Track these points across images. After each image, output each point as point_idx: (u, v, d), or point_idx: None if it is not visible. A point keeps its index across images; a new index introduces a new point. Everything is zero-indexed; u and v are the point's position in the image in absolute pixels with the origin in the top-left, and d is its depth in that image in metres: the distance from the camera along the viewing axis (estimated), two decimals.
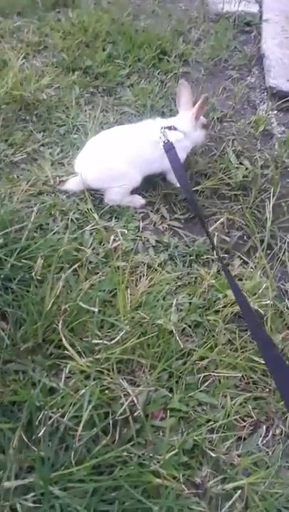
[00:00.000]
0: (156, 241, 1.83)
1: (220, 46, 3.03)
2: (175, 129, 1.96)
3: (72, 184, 1.92)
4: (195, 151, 2.19)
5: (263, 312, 1.52)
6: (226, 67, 2.94)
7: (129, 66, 2.72)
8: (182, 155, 1.98)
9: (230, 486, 1.19)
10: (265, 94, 2.78)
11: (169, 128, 1.95)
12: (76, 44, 2.80)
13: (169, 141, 1.89)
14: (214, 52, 2.97)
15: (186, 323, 1.53)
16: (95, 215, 1.83)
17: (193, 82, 2.75)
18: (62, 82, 2.53)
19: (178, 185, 1.97)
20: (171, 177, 1.99)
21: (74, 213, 1.83)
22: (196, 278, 1.69)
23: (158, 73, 2.72)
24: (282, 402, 1.36)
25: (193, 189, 2.01)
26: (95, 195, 1.93)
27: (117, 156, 1.87)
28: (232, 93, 2.70)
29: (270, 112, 2.62)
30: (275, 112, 2.65)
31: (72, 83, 2.55)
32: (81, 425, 1.14)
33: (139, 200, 1.96)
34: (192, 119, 1.99)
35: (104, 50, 2.79)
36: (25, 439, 1.15)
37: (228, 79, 2.83)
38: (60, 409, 1.21)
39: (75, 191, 1.92)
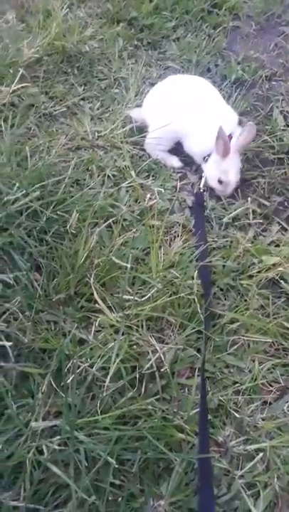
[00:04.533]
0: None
1: (274, 0, 2.84)
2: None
3: (134, 112, 1.97)
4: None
5: None
6: (279, 23, 2.76)
7: (176, 18, 2.60)
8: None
9: (252, 447, 1.19)
10: None
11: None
12: None
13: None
14: (267, 7, 2.79)
15: (218, 286, 1.51)
16: (132, 173, 1.80)
17: (243, 38, 2.61)
18: (106, 34, 2.45)
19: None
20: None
21: (111, 169, 1.80)
22: (231, 241, 1.66)
23: (206, 27, 2.59)
24: None
25: None
26: (133, 152, 1.89)
27: (177, 105, 1.82)
28: (284, 50, 2.55)
29: None
30: None
31: (116, 35, 2.46)
32: (108, 376, 1.17)
33: (173, 162, 1.92)
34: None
35: (151, 1, 2.66)
36: (54, 386, 1.18)
37: (280, 35, 2.66)
38: (88, 360, 1.23)
39: (134, 119, 1.96)
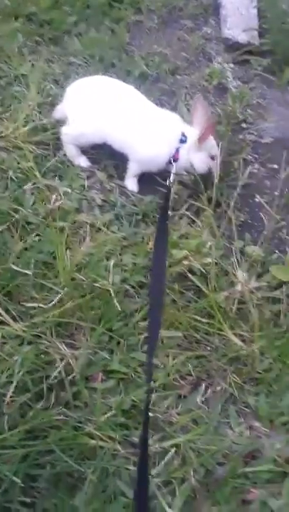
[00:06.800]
0: (103, 200, 1.76)
1: None
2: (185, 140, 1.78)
3: (57, 112, 1.90)
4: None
5: (205, 271, 1.49)
6: (181, 16, 2.79)
7: (77, 13, 2.54)
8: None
9: (168, 443, 1.19)
10: (222, 45, 2.66)
11: (183, 136, 1.78)
12: None
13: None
14: (168, 0, 2.81)
15: (129, 284, 1.50)
16: (37, 174, 1.73)
17: (146, 32, 2.61)
18: (4, 30, 2.34)
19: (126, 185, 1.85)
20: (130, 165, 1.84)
21: (14, 172, 1.72)
22: (142, 238, 1.65)
23: (108, 21, 2.55)
24: (223, 360, 1.36)
25: None
26: (38, 152, 1.82)
27: (103, 108, 1.75)
28: (186, 44, 2.58)
29: (226, 65, 2.52)
30: (231, 64, 2.55)
31: (15, 31, 2.36)
32: (10, 390, 1.11)
33: (80, 161, 1.87)
34: (195, 139, 1.76)
35: None
36: None
37: (182, 29, 2.68)
38: None
39: (57, 119, 1.90)
